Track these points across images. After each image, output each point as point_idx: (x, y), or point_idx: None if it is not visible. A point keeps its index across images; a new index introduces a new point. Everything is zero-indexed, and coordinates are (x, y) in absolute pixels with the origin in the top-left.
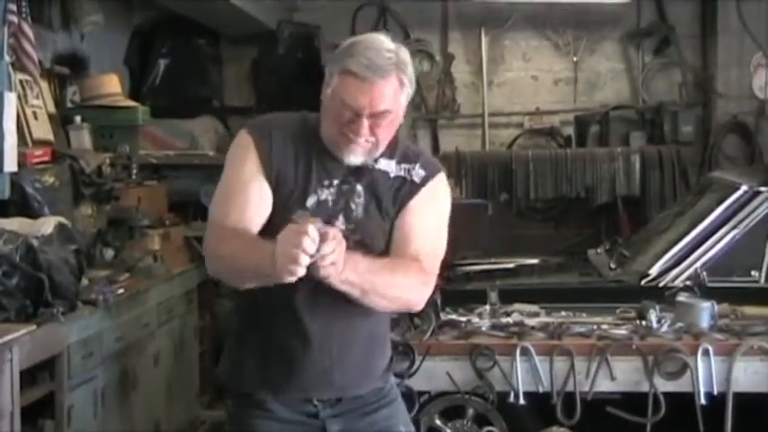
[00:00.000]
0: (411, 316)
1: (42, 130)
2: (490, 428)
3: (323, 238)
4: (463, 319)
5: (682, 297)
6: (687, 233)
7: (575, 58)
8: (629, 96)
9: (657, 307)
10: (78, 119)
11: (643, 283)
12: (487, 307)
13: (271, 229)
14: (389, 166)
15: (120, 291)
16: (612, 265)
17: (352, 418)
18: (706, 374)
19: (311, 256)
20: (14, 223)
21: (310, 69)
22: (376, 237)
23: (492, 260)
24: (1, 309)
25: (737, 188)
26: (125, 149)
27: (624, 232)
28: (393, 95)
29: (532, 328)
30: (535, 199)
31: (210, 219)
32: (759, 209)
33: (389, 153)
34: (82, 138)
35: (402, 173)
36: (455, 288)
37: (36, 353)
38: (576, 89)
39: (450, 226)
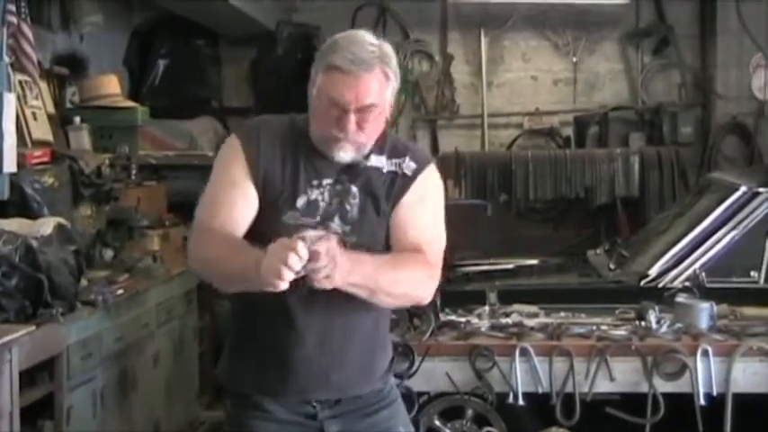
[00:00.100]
0: (410, 316)
1: (42, 130)
2: (489, 429)
3: (313, 257)
4: (462, 319)
5: (681, 298)
6: (686, 234)
7: (574, 59)
8: (629, 97)
9: (657, 308)
10: (78, 119)
11: (642, 283)
12: (487, 308)
13: (262, 231)
14: (381, 162)
15: (120, 291)
16: (612, 266)
17: (352, 419)
18: (705, 375)
19: (296, 273)
20: (14, 224)
21: (309, 70)
22: (374, 235)
23: (491, 261)
24: (0, 309)
25: (737, 189)
26: (124, 150)
27: (623, 233)
28: (379, 89)
29: (532, 328)
30: (534, 200)
31: (196, 221)
32: (758, 210)
33: (379, 148)
34: (81, 138)
35: (393, 167)
36: (454, 289)
37: (35, 353)
38: (576, 90)
39: (449, 226)
